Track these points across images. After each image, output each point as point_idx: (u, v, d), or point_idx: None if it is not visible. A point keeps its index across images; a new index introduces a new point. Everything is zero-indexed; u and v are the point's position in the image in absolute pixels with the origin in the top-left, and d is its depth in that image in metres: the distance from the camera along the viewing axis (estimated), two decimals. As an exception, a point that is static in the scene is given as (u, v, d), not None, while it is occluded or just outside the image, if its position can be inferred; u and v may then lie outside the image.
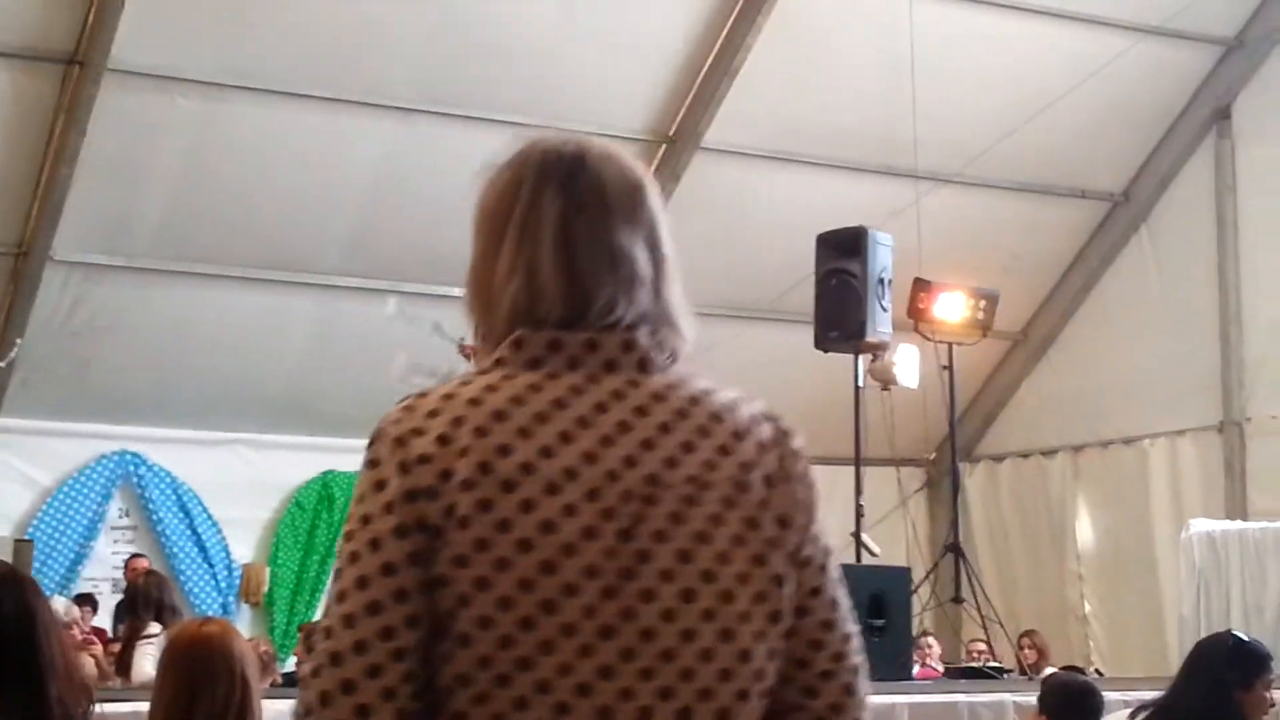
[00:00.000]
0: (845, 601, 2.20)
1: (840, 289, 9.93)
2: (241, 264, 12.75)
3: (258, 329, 12.94)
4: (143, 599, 8.82)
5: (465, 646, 2.01)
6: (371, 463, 2.08)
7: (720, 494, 2.10)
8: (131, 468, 13.25)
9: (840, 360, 10.40)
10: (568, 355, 2.13)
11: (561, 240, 2.16)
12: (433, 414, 2.08)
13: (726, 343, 13.72)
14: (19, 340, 11.98)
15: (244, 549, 13.75)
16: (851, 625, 2.20)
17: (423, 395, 2.12)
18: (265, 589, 13.59)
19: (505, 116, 12.59)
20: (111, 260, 12.30)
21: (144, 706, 6.14)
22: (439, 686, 2.02)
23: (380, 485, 2.05)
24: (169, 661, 4.22)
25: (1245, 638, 6.08)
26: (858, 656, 2.19)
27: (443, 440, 2.05)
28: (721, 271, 13.68)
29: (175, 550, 13.33)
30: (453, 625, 2.02)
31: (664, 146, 13.23)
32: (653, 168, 13.24)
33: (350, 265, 12.82)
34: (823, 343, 10.15)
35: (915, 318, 11.14)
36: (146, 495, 13.31)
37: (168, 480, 13.38)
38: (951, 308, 11.28)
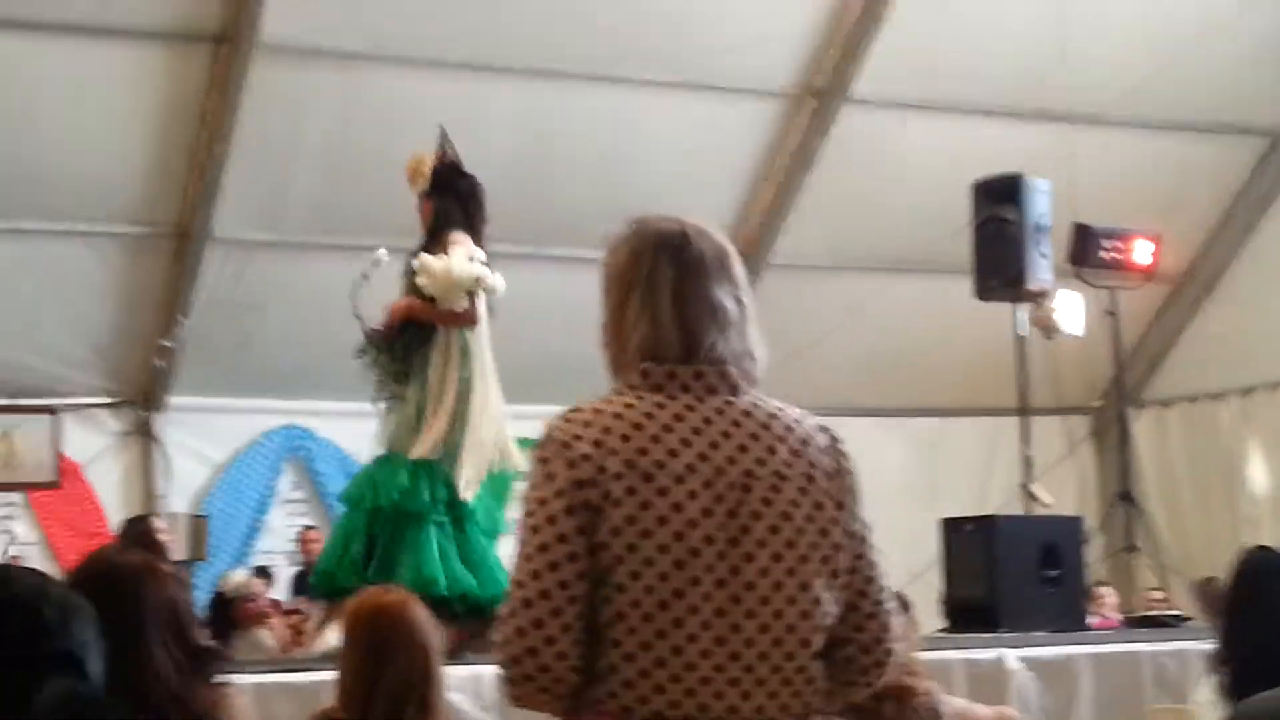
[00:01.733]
0: (881, 562, 3.01)
1: (998, 237, 9.83)
2: (391, 234, 12.79)
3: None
4: None
5: (621, 593, 2.82)
6: (543, 459, 2.89)
7: (796, 485, 2.91)
8: (299, 441, 13.41)
9: (1000, 309, 10.27)
10: (681, 382, 2.94)
11: (676, 297, 2.97)
12: (587, 424, 2.89)
13: (881, 296, 13.62)
14: (184, 319, 12.16)
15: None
16: (886, 580, 3.02)
17: (577, 409, 2.92)
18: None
19: (649, 76, 12.58)
20: (269, 236, 12.43)
21: (321, 676, 6.23)
22: (600, 622, 2.83)
23: (551, 477, 2.85)
24: (353, 632, 4.25)
25: None
26: (891, 603, 3.04)
27: (597, 444, 2.86)
28: (874, 224, 13.56)
29: (345, 522, 13.47)
30: (610, 578, 2.82)
31: (812, 100, 13.11)
32: (801, 123, 13.17)
33: (495, 231, 12.81)
34: (982, 292, 10.05)
35: (1076, 263, 10.96)
36: (315, 468, 13.46)
37: (334, 453, 13.51)
38: (1113, 252, 11.09)
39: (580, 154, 12.62)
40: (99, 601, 1.98)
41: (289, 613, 11.23)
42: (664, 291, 2.96)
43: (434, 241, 7.94)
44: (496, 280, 7.81)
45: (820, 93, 13.05)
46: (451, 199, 8.04)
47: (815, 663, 2.92)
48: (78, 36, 11.33)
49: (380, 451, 7.95)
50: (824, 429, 3.03)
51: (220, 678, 3.85)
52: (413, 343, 7.84)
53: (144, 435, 13.04)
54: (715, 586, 2.83)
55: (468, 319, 7.79)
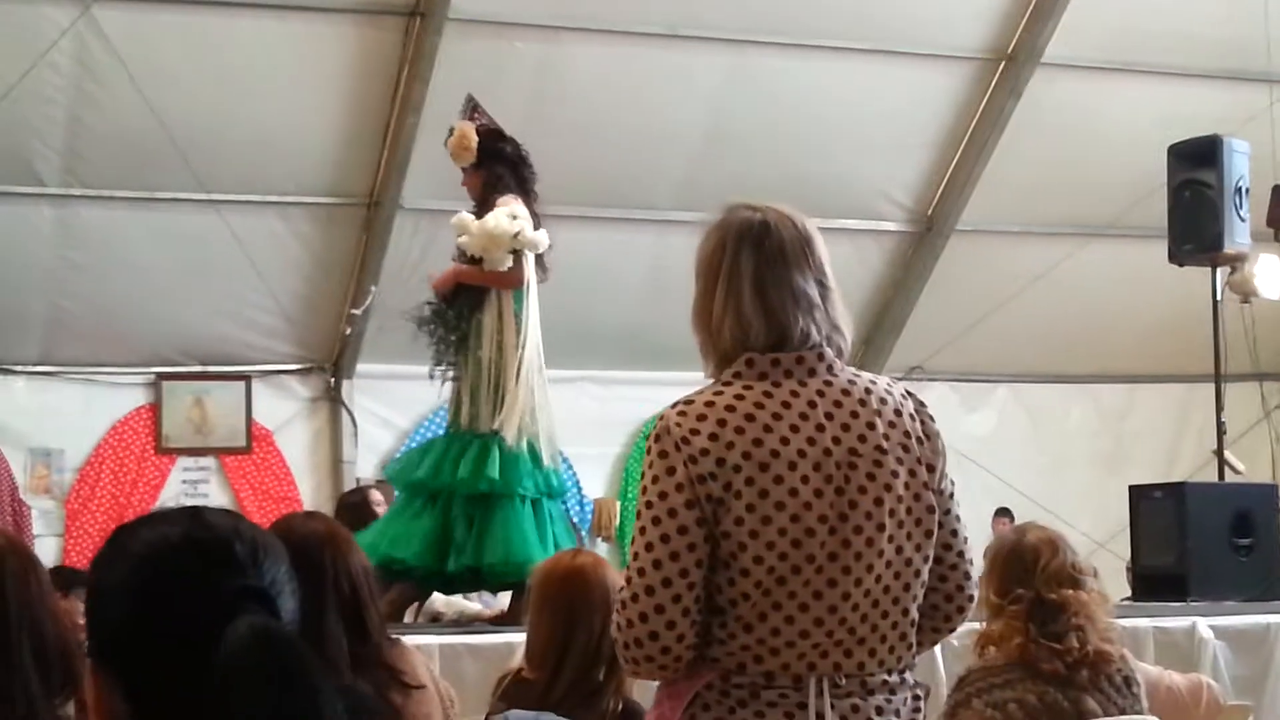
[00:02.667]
0: (963, 517, 3.24)
1: (1195, 200, 9.61)
2: (581, 202, 12.90)
3: (598, 266, 13.09)
4: None
5: (745, 576, 3.02)
6: (662, 453, 3.06)
7: (895, 455, 3.10)
8: (482, 407, 13.54)
9: (1196, 274, 10.07)
10: (784, 369, 3.11)
11: (756, 286, 3.13)
12: (701, 418, 3.06)
13: (1072, 261, 13.44)
14: (374, 288, 12.33)
15: (594, 484, 13.97)
16: (966, 532, 3.25)
17: (690, 402, 3.10)
18: (616, 523, 13.77)
19: (839, 43, 12.51)
20: (457, 206, 12.53)
21: (509, 638, 6.30)
22: (721, 604, 3.04)
23: (671, 470, 3.03)
24: (545, 594, 4.27)
25: None
26: (970, 554, 3.26)
27: (713, 438, 3.03)
28: (1065, 189, 13.38)
29: (529, 487, 13.60)
30: (734, 563, 3.02)
31: (1003, 64, 12.94)
32: (991, 87, 13.02)
33: (686, 200, 12.86)
34: (1177, 256, 9.83)
35: (1275, 227, 10.69)
36: (499, 434, 13.60)
37: (518, 419, 13.64)
38: (1313, 215, 10.80)
39: (773, 121, 12.59)
40: None
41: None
42: (745, 281, 3.15)
43: (485, 209, 7.78)
44: (538, 237, 7.65)
45: (1011, 56, 12.89)
46: (501, 165, 7.86)
47: (908, 619, 3.15)
48: (272, 11, 11.55)
49: (448, 425, 7.87)
50: (910, 394, 3.23)
51: (394, 637, 3.93)
52: (464, 309, 7.70)
53: (332, 401, 13.28)
54: (827, 560, 3.05)
55: (514, 280, 7.60)
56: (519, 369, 7.57)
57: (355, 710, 1.86)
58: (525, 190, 7.81)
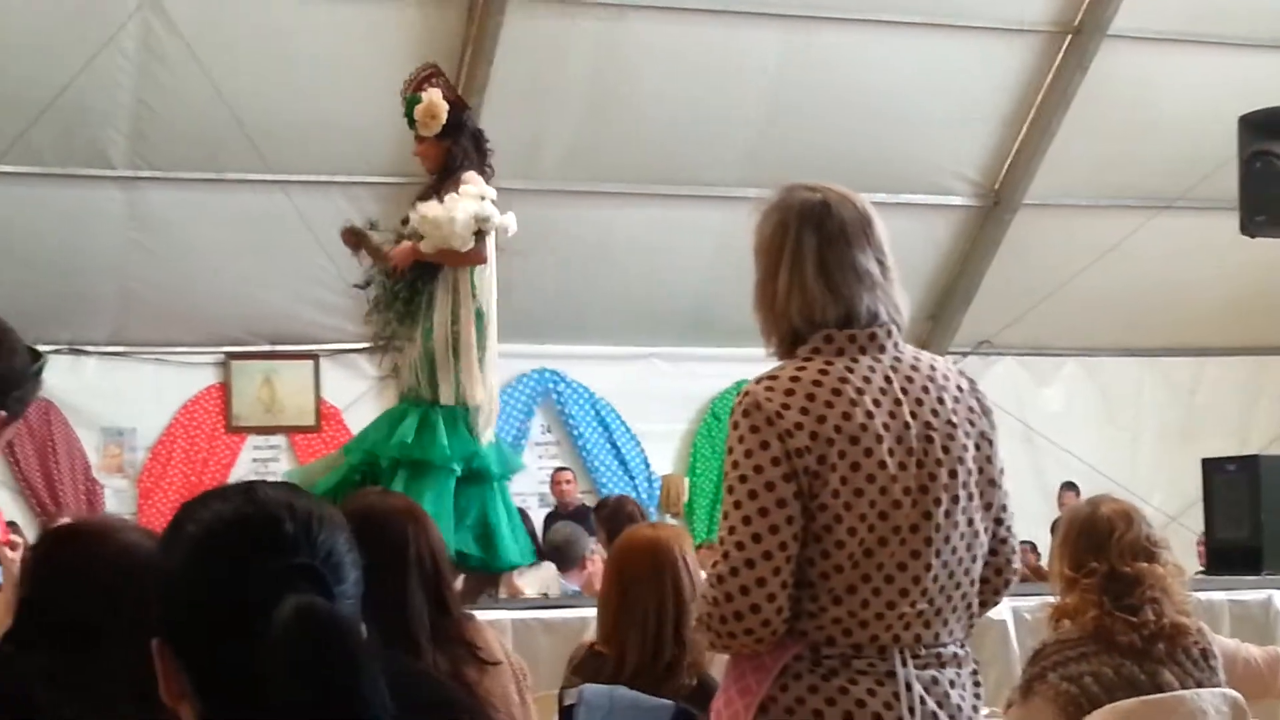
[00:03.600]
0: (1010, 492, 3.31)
1: (1266, 171, 9.55)
2: (646, 180, 12.91)
3: (664, 244, 13.09)
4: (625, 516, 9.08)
5: (840, 549, 3.08)
6: (753, 428, 3.09)
7: (963, 429, 3.18)
8: (551, 385, 13.59)
9: (1268, 246, 10.01)
10: (859, 344, 3.17)
11: (820, 266, 3.17)
12: (789, 393, 3.10)
13: (1142, 234, 13.34)
14: (440, 266, 12.38)
15: (662, 461, 13.99)
16: (1012, 507, 3.32)
17: (774, 377, 3.14)
18: (685, 499, 13.78)
19: (902, 18, 12.46)
20: (525, 185, 12.53)
21: (581, 613, 6.32)
22: (811, 577, 3.08)
23: (766, 445, 3.07)
24: (620, 567, 4.28)
25: None
26: (1015, 526, 3.34)
27: (804, 411, 3.08)
28: (1134, 161, 13.30)
29: (596, 464, 13.64)
30: (830, 535, 3.07)
31: (1069, 37, 12.86)
32: (1058, 60, 12.93)
33: (751, 175, 12.83)
34: (1249, 228, 9.78)
35: (1348, 196, 10.59)
36: (566, 411, 13.64)
37: (586, 396, 13.67)
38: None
39: (836, 97, 12.56)
40: (363, 542, 1.98)
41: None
42: (809, 261, 3.18)
43: (445, 181, 7.66)
44: (506, 219, 7.55)
45: (1078, 29, 12.80)
46: (465, 138, 7.73)
47: (973, 590, 3.23)
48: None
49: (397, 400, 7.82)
50: (961, 372, 3.31)
51: (467, 611, 3.96)
52: (418, 282, 7.51)
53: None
54: (910, 532, 3.11)
55: (475, 258, 7.48)
56: (481, 341, 7.49)
57: (403, 692, 1.84)
58: (484, 165, 7.71)
